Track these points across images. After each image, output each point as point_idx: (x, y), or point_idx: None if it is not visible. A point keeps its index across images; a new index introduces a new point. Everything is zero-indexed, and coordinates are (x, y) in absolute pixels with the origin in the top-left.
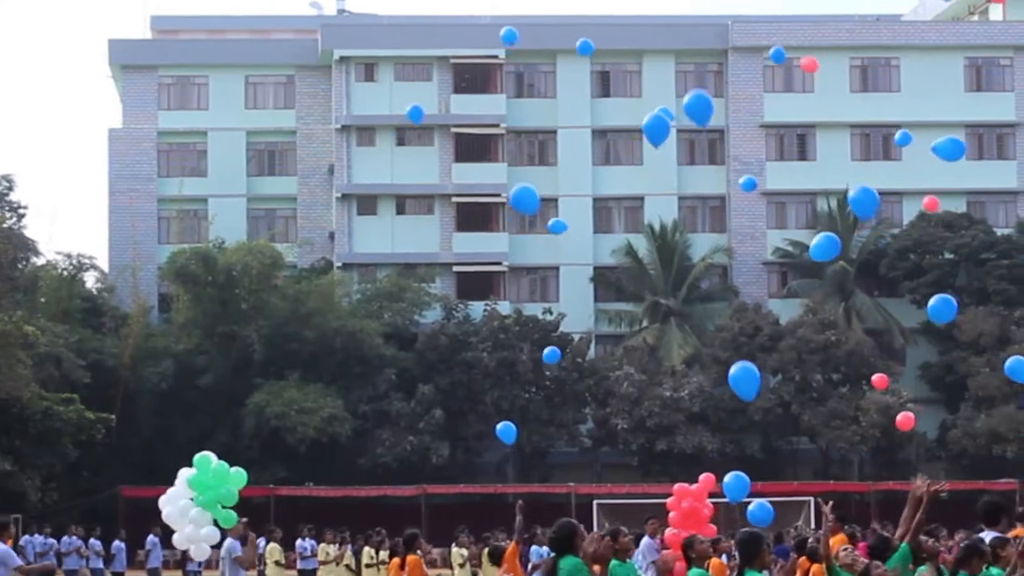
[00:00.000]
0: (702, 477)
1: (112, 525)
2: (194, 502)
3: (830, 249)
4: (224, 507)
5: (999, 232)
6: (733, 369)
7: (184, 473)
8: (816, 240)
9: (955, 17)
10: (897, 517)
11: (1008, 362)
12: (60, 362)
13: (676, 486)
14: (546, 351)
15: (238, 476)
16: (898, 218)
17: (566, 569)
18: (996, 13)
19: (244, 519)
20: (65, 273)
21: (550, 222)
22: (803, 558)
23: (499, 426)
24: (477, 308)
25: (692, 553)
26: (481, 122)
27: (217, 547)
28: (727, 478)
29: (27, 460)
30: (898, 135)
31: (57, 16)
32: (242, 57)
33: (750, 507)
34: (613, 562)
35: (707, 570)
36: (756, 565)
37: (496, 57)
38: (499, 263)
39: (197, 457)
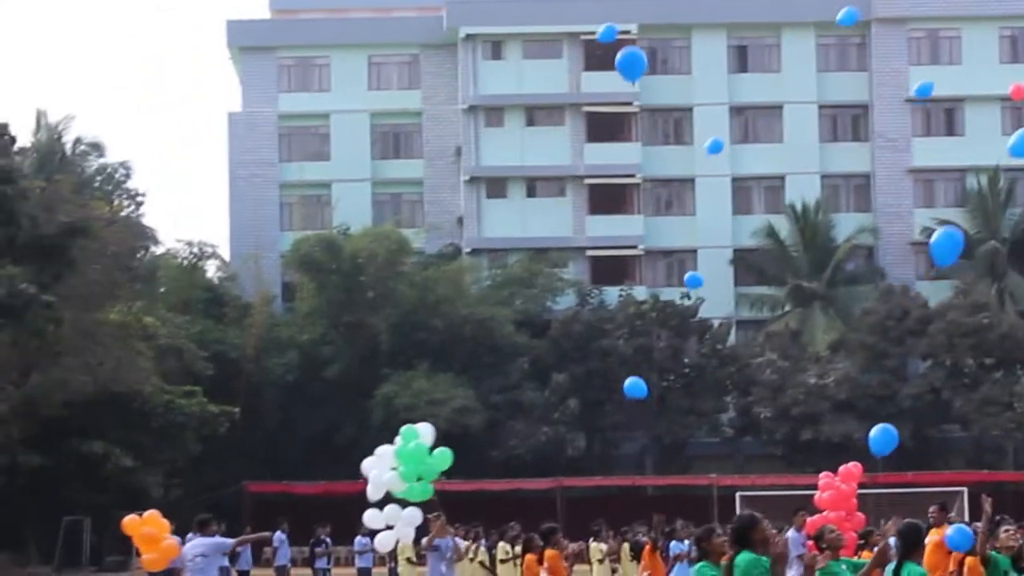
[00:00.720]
0: (847, 465)
1: (237, 521)
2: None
3: (951, 250)
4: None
5: None
6: (935, 236)
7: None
8: (936, 237)
9: None
10: None
11: None
12: (182, 354)
13: (822, 475)
14: (687, 276)
15: (442, 455)
16: None
17: (742, 566)
18: None
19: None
20: (185, 262)
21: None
22: None
23: (627, 382)
24: (612, 293)
25: (822, 543)
26: (614, 100)
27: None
28: (873, 431)
29: (150, 455)
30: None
31: None
32: (364, 36)
33: (948, 532)
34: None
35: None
36: (915, 558)
37: (629, 32)
38: (634, 246)
39: (404, 429)
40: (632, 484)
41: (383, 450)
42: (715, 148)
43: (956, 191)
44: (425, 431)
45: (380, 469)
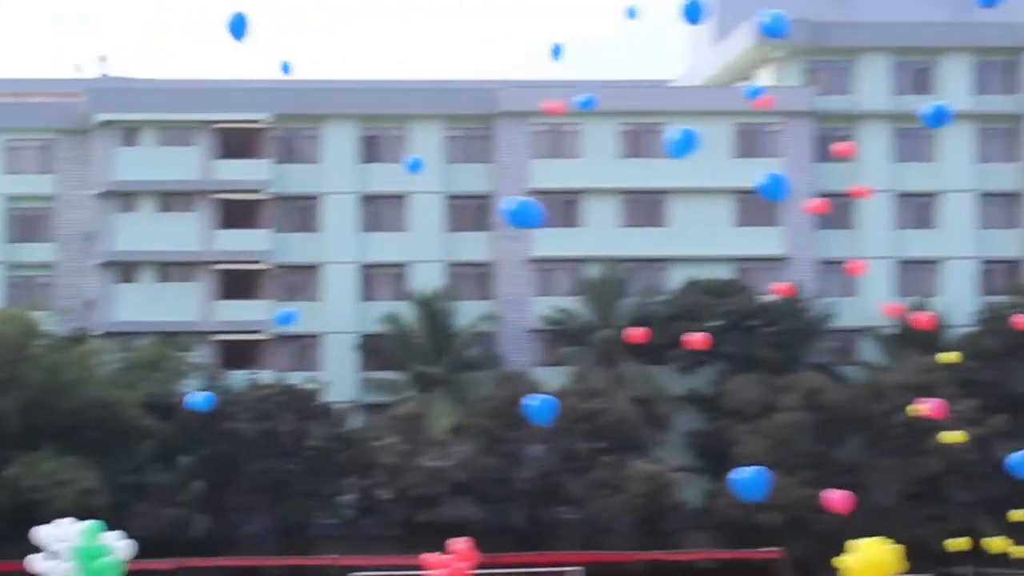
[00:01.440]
0: (456, 544)
1: None
2: None
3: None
4: None
5: (766, 299)
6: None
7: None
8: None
9: (724, 83)
10: None
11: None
12: None
13: (423, 556)
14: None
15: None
16: (665, 284)
17: None
18: (765, 79)
19: None
20: None
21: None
22: None
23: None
24: (239, 377)
25: None
26: (245, 187)
27: None
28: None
29: None
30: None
31: None
32: (1, 121)
33: None
34: None
35: None
36: None
37: (259, 121)
38: (262, 331)
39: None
40: (254, 564)
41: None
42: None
43: (574, 280)
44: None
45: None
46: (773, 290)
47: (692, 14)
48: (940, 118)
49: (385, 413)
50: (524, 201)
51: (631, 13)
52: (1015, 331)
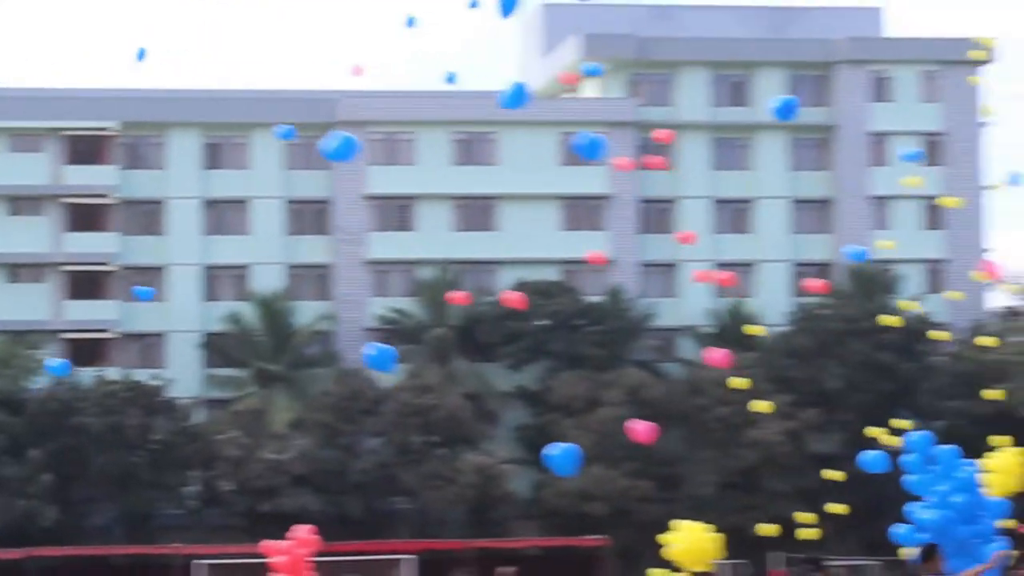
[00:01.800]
0: (299, 533)
1: None
2: None
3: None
4: None
5: (591, 299)
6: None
7: None
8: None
9: (551, 94)
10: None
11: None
12: None
13: (262, 544)
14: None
15: None
16: (495, 286)
17: None
18: (590, 90)
19: None
20: None
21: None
22: None
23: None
24: (88, 374)
25: None
26: (93, 192)
27: None
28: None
29: None
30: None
31: None
32: None
33: None
34: None
35: None
36: None
37: (106, 129)
38: (109, 330)
39: None
40: (101, 554)
41: None
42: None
43: (408, 281)
44: None
45: None
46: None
47: (506, 7)
48: (787, 111)
49: (228, 408)
50: (343, 137)
51: (410, 22)
52: (826, 330)
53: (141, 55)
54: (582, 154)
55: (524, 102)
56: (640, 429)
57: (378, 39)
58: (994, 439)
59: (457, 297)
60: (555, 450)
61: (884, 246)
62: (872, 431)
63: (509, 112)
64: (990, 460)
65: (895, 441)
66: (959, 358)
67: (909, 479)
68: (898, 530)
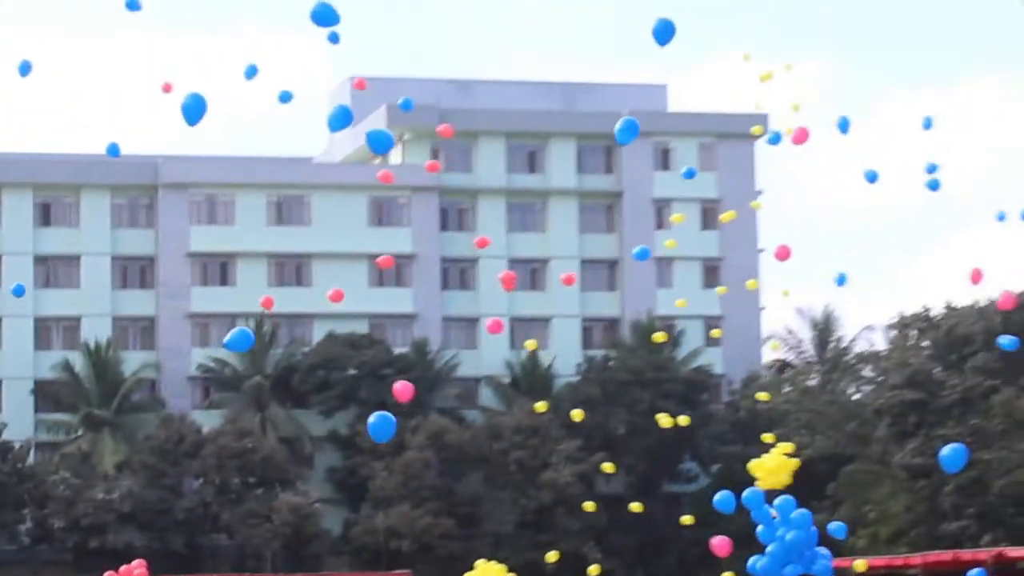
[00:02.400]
0: (129, 567)
1: None
2: None
3: (243, 342)
4: None
5: (397, 351)
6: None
7: None
8: (230, 337)
9: (360, 159)
10: None
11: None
12: None
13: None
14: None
15: None
16: (309, 337)
17: None
18: (396, 157)
19: None
20: None
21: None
22: None
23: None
24: None
25: None
26: None
27: None
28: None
29: None
30: None
31: None
32: None
33: None
34: None
35: None
36: None
37: None
38: None
39: None
40: None
41: None
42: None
43: (227, 332)
44: None
45: None
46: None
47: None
48: (629, 132)
49: (58, 451)
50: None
51: (251, 71)
52: (613, 380)
53: (24, 69)
54: (374, 148)
55: (348, 123)
56: (718, 544)
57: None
58: (766, 436)
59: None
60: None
61: (680, 304)
62: None
63: (321, 176)
64: (761, 459)
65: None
66: (735, 407)
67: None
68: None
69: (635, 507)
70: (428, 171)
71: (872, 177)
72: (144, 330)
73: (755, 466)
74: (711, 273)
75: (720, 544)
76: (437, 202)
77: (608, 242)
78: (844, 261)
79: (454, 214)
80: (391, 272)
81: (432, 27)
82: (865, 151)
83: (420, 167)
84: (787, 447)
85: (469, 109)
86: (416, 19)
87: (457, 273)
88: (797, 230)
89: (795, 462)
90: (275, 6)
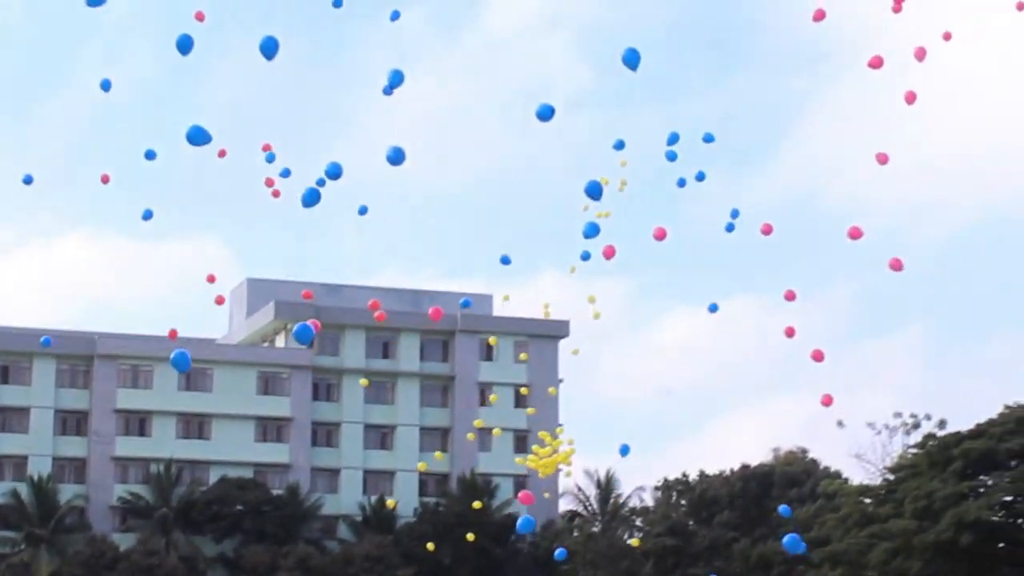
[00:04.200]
0: None
1: None
2: None
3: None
4: None
5: (275, 492)
6: None
7: None
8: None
9: (252, 343)
10: None
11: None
12: None
13: None
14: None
15: None
16: (206, 479)
17: None
18: (279, 341)
19: None
20: None
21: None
22: None
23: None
24: None
25: None
26: None
27: None
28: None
29: None
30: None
31: None
32: None
33: None
34: None
35: None
36: None
37: None
38: None
39: None
40: None
41: None
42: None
43: (144, 473)
44: None
45: None
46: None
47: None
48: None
49: (5, 561)
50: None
51: (147, 215)
52: (443, 522)
53: (28, 179)
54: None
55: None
56: None
57: (131, 284)
58: (543, 434)
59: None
60: None
61: (524, 468)
62: None
63: (222, 354)
64: (534, 452)
65: None
66: (536, 546)
67: None
68: None
69: None
70: (304, 351)
71: (624, 450)
72: (77, 468)
73: None
74: (521, 441)
75: None
76: (311, 378)
77: (443, 414)
78: (624, 434)
79: (324, 388)
80: (273, 430)
81: (314, 240)
82: (650, 353)
83: (298, 350)
84: None
85: (338, 307)
86: (302, 232)
87: (324, 434)
88: (591, 409)
89: None
90: (194, 224)
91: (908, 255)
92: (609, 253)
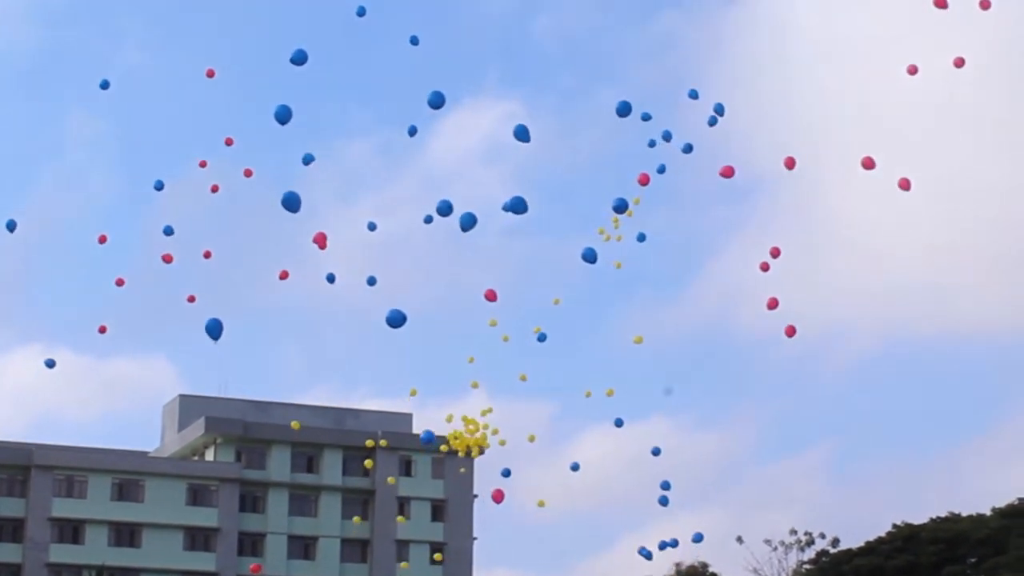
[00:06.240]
0: None
1: None
2: None
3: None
4: None
5: None
6: None
7: None
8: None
9: (183, 456)
10: None
11: None
12: None
13: None
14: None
15: None
16: None
17: None
18: (209, 455)
19: None
20: None
21: None
22: None
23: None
24: None
25: None
26: None
27: None
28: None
29: None
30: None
31: None
32: None
33: None
34: None
35: None
36: None
37: None
38: None
39: None
40: None
41: None
42: None
43: None
44: None
45: None
46: None
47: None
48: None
49: None
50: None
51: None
52: None
53: (10, 226)
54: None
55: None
56: None
57: (74, 399)
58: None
59: None
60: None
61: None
62: None
63: (153, 466)
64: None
65: None
66: None
67: None
68: None
69: None
70: (232, 464)
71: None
72: (12, 575)
73: None
74: (436, 550)
75: None
76: (238, 490)
77: (362, 527)
78: (538, 550)
79: (250, 500)
80: (201, 538)
81: (243, 357)
82: (564, 471)
83: (227, 463)
84: None
85: (265, 423)
86: (234, 347)
87: (250, 543)
88: (505, 524)
89: None
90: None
91: (821, 377)
92: (644, 180)
